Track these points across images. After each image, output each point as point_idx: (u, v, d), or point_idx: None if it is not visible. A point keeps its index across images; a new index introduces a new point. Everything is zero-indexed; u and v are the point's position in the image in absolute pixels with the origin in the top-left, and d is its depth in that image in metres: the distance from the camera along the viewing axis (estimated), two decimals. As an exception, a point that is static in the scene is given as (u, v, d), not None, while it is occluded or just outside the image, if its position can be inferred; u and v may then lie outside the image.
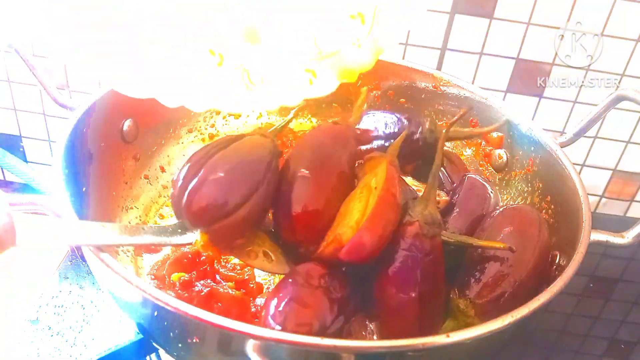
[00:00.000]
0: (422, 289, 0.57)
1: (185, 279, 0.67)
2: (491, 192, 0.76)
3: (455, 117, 0.75)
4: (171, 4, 0.58)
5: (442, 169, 0.84)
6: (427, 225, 0.59)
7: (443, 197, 0.74)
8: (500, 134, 0.83)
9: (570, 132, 0.80)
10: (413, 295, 0.57)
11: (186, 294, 0.65)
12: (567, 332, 0.90)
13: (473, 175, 0.78)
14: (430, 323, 0.58)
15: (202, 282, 0.67)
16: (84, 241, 0.57)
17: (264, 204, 0.61)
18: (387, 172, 0.60)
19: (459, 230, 0.70)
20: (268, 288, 0.71)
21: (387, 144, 0.75)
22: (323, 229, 0.61)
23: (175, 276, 0.68)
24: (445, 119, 0.88)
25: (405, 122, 0.80)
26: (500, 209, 0.71)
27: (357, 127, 0.85)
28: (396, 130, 0.79)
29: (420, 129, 0.80)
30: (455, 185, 0.79)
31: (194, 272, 0.68)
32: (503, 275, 0.62)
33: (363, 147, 0.77)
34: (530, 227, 0.65)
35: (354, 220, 0.57)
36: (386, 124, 0.82)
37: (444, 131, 0.71)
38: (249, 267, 0.70)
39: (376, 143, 0.82)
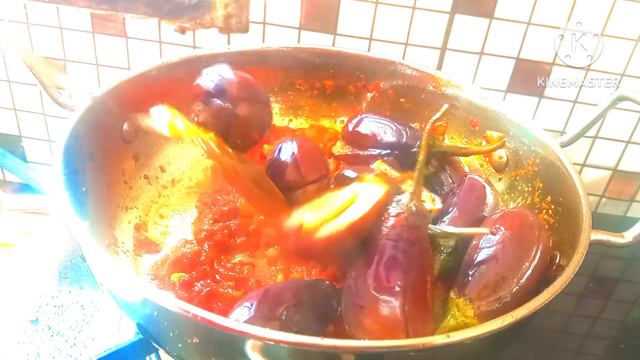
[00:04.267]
0: (408, 279, 0.57)
1: (185, 279, 0.67)
2: (491, 192, 0.76)
3: (438, 114, 0.76)
4: None
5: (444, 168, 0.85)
6: (413, 216, 0.60)
7: (438, 203, 0.75)
8: (500, 133, 0.83)
9: (570, 132, 0.80)
10: (399, 284, 0.57)
11: (186, 294, 0.65)
12: (567, 332, 0.90)
13: (473, 176, 0.78)
14: (418, 314, 0.57)
15: (202, 282, 0.67)
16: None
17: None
18: (381, 199, 0.61)
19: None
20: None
21: (384, 153, 0.79)
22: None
23: (175, 276, 0.68)
24: (445, 118, 0.88)
25: (404, 133, 0.81)
26: (500, 212, 0.71)
27: (357, 129, 0.86)
28: (394, 139, 0.80)
29: (418, 142, 0.80)
30: (455, 185, 0.79)
31: (194, 272, 0.68)
32: (503, 276, 0.62)
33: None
34: (529, 230, 0.65)
35: (322, 216, 0.60)
36: (385, 132, 0.83)
37: (427, 128, 0.72)
38: (248, 266, 0.71)
39: (374, 150, 0.83)
